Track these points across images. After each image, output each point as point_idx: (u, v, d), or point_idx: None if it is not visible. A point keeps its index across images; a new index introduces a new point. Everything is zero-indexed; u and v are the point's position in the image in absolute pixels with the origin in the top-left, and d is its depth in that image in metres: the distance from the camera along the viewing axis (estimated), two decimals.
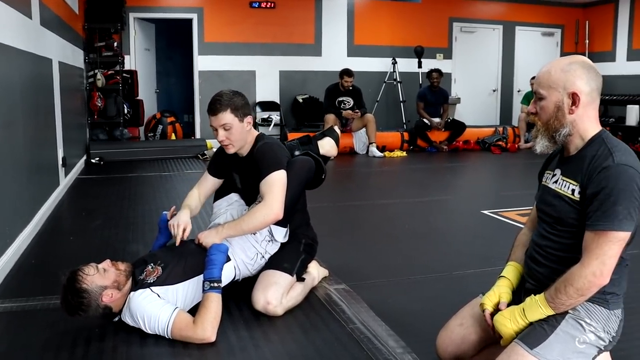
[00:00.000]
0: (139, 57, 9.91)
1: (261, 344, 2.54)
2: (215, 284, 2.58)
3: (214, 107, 2.85)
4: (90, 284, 2.46)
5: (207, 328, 2.47)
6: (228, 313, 2.81)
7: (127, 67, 9.31)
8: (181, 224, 2.87)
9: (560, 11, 11.98)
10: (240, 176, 3.08)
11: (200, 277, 2.65)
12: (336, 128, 3.54)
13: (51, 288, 2.49)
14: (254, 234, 2.89)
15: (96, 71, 8.47)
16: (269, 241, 2.95)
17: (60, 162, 5.70)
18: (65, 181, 5.94)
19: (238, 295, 3.01)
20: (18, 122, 4.00)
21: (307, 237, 3.10)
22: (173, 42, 11.67)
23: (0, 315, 2.84)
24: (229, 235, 2.82)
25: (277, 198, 2.78)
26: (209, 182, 3.16)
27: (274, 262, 2.93)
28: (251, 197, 2.99)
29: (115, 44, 8.84)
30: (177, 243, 2.84)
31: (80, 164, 7.39)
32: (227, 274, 2.82)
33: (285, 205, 2.83)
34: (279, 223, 2.90)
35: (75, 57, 7.45)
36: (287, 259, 2.95)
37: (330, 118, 8.70)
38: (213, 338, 2.48)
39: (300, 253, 3.02)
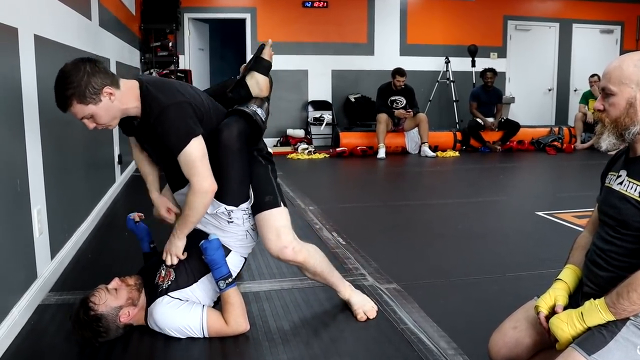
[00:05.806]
0: (193, 56, 10.07)
1: (311, 342, 2.55)
2: (229, 280, 2.54)
3: (59, 105, 2.39)
4: (105, 308, 2.44)
5: (241, 322, 2.55)
6: (275, 310, 2.83)
7: (181, 66, 9.50)
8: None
9: (620, 7, 11.62)
10: (150, 147, 2.72)
11: (210, 275, 2.59)
12: (266, 53, 2.87)
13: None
14: (230, 221, 2.64)
15: (152, 71, 8.64)
16: (248, 217, 2.69)
17: (116, 159, 5.84)
18: (120, 178, 6.07)
19: (287, 296, 3.03)
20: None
21: (257, 150, 2.77)
22: (226, 41, 11.82)
23: (59, 307, 2.93)
24: (186, 232, 2.59)
25: (202, 174, 2.45)
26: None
27: (257, 203, 2.67)
28: (172, 168, 2.61)
29: (170, 44, 9.03)
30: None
31: None
32: (237, 263, 2.73)
33: (236, 183, 2.60)
34: (242, 200, 2.63)
35: (132, 57, 7.61)
36: (265, 191, 2.68)
37: (383, 117, 8.68)
38: (248, 327, 2.58)
39: (269, 178, 2.74)
